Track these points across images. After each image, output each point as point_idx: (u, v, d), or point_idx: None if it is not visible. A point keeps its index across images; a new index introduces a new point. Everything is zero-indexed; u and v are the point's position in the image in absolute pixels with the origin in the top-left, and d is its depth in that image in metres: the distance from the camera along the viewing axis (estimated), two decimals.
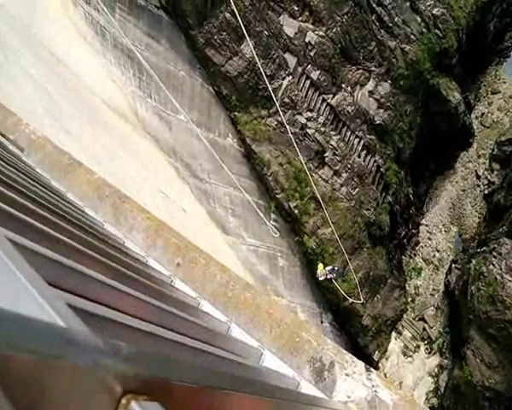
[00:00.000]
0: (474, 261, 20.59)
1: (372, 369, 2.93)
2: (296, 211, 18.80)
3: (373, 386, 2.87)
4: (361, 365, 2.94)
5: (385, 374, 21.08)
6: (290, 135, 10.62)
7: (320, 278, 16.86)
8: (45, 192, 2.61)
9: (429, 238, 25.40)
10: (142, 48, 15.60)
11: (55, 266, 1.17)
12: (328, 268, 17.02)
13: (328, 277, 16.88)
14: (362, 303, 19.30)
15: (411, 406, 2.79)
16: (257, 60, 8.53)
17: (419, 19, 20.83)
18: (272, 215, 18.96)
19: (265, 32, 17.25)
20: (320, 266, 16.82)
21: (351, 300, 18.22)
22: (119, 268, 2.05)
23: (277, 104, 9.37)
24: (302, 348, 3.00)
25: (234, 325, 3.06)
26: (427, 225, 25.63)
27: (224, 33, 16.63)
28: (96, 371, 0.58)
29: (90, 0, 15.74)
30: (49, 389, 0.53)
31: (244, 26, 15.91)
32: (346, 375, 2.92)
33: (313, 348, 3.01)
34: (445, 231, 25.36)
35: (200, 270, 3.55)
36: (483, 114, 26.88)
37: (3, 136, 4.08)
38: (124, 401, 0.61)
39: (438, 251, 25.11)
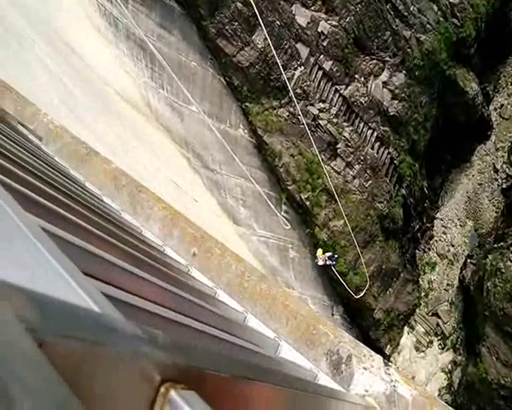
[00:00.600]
0: (490, 257, 20.26)
1: (390, 363, 2.90)
2: (307, 203, 18.72)
3: (391, 381, 2.83)
4: (379, 359, 2.91)
5: (396, 368, 20.95)
6: (305, 125, 10.52)
7: (318, 263, 16.58)
8: (66, 181, 2.62)
9: (444, 232, 25.06)
10: (154, 39, 15.60)
11: (82, 254, 1.16)
12: (328, 254, 16.65)
13: (328, 263, 16.57)
14: (362, 295, 19.01)
15: (431, 402, 2.76)
16: (272, 48, 8.43)
17: (435, 7, 20.38)
18: (283, 207, 18.92)
19: (277, 22, 17.08)
20: (319, 250, 16.57)
21: (351, 292, 18.06)
22: (139, 256, 2.04)
23: (291, 92, 9.26)
24: (319, 341, 2.98)
25: (250, 315, 3.05)
26: (441, 219, 25.28)
27: (236, 23, 16.53)
28: (135, 359, 0.56)
29: None
30: (89, 378, 0.51)
31: (256, 15, 15.82)
32: (364, 369, 2.89)
33: (330, 340, 2.98)
34: (461, 225, 24.98)
35: (215, 260, 3.54)
36: (502, 105, 26.18)
37: (23, 125, 4.11)
38: (163, 389, 0.60)
39: (453, 246, 24.77)
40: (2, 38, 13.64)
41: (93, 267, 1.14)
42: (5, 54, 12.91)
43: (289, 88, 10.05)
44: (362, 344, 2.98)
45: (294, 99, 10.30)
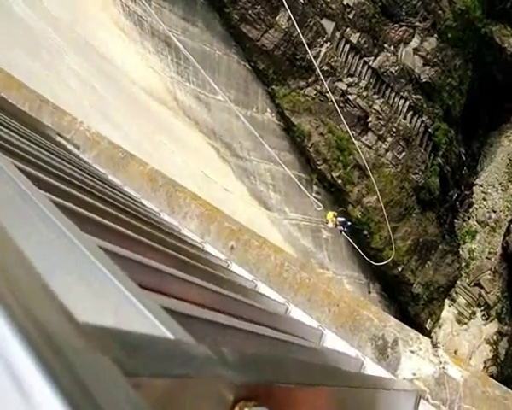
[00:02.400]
0: None
1: (439, 345, 2.88)
2: (339, 181, 18.46)
3: (441, 363, 2.81)
4: (427, 341, 2.89)
5: (438, 343, 20.53)
6: (333, 100, 10.25)
7: (328, 225, 15.44)
8: (109, 189, 2.73)
9: (484, 199, 24.03)
10: (178, 32, 15.65)
11: (137, 267, 1.23)
12: (341, 219, 15.51)
13: (339, 228, 15.49)
14: (384, 264, 18.09)
15: (483, 382, 2.71)
16: (296, 27, 8.19)
17: None
18: (314, 187, 18.74)
19: (301, 0, 16.68)
20: (329, 213, 15.27)
21: (368, 259, 17.02)
22: (184, 258, 2.12)
23: (317, 68, 9.07)
24: (363, 326, 2.99)
25: (292, 305, 3.10)
26: (481, 185, 24.22)
27: (259, 7, 16.31)
28: (214, 383, 0.59)
29: None
30: (172, 407, 0.53)
31: None
32: (411, 352, 2.88)
33: (375, 325, 2.98)
34: (502, 189, 23.85)
35: (254, 252, 3.60)
36: None
37: (61, 136, 4.28)
38: (237, 409, 0.62)
39: (494, 212, 23.73)
40: (34, 49, 14.06)
41: (148, 279, 1.20)
42: (36, 63, 13.34)
43: (316, 64, 9.78)
44: (408, 327, 2.97)
45: (320, 74, 10.01)
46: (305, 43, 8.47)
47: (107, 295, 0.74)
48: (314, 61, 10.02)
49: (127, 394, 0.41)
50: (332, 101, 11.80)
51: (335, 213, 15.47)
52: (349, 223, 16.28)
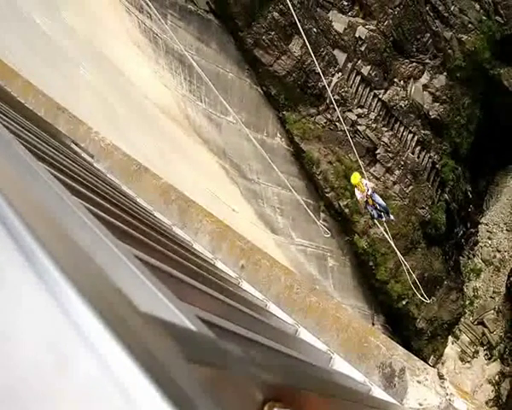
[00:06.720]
0: None
1: (446, 377, 2.84)
2: (346, 210, 18.49)
3: (447, 394, 2.77)
4: (434, 372, 2.86)
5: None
6: (345, 129, 10.35)
7: (356, 194, 11.51)
8: (123, 198, 2.77)
9: (489, 238, 23.94)
10: (192, 52, 16.02)
11: (164, 276, 1.25)
12: (378, 200, 11.60)
13: (370, 209, 11.71)
14: (427, 303, 17.54)
15: None
16: (311, 54, 8.39)
17: (478, 6, 19.72)
18: (322, 215, 18.76)
19: (314, 30, 17.13)
20: (355, 175, 10.92)
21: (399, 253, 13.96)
22: (199, 271, 2.13)
23: (330, 95, 9.24)
24: (371, 354, 2.96)
25: (301, 328, 3.08)
26: (486, 224, 24.18)
27: (273, 33, 16.75)
28: (246, 380, 0.61)
29: (142, 9, 16.40)
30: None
31: (292, 24, 15.95)
32: (418, 382, 2.85)
33: (382, 353, 2.96)
34: (507, 230, 23.77)
35: (264, 272, 3.60)
36: None
37: (76, 144, 4.37)
38: (266, 408, 0.64)
39: (499, 251, 23.60)
40: (50, 57, 14.41)
41: (175, 289, 1.22)
42: (51, 71, 13.62)
43: (329, 91, 9.94)
44: (415, 357, 2.94)
45: (334, 102, 10.21)
46: (319, 70, 8.66)
47: (144, 301, 0.77)
48: (327, 87, 10.15)
49: (191, 376, 0.44)
50: (344, 130, 11.91)
51: (367, 183, 11.37)
52: (386, 207, 12.19)
